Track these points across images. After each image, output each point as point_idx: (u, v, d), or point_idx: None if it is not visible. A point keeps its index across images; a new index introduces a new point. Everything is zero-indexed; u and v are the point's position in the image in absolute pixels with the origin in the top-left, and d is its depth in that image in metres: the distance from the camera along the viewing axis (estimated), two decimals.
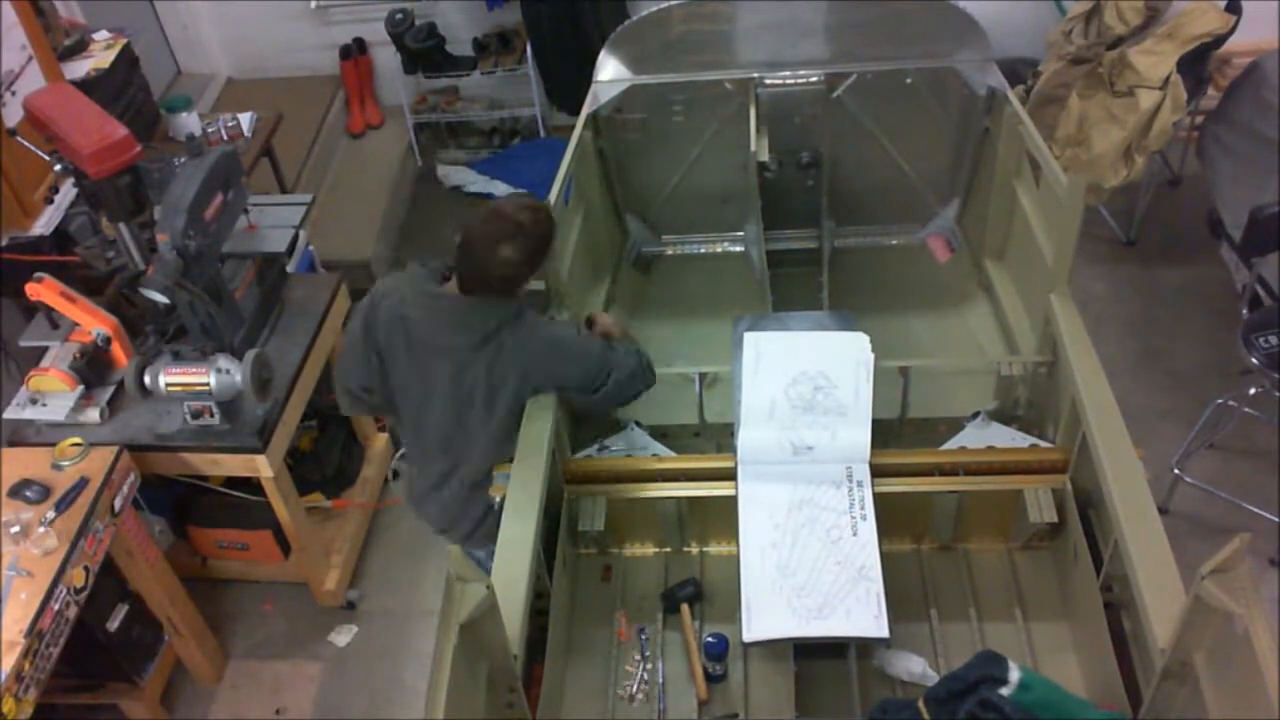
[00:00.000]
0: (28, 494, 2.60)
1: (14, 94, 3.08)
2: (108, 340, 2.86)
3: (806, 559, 2.17)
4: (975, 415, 2.56)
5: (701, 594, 2.34)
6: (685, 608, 2.30)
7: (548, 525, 2.24)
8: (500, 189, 4.88)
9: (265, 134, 4.07)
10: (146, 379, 2.68)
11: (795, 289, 3.09)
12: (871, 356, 2.38)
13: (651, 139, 3.28)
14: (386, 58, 4.99)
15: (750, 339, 2.45)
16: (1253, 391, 3.15)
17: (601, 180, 3.28)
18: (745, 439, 2.34)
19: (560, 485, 2.39)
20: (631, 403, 2.49)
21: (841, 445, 2.32)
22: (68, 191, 3.17)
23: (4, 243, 3.13)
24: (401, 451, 3.15)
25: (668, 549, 2.48)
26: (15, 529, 2.52)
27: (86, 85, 3.48)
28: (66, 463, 2.69)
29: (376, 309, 2.40)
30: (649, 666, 2.23)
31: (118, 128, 2.72)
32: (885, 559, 2.17)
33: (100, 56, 3.71)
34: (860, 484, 2.28)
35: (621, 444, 2.55)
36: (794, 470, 2.31)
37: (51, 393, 2.88)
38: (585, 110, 3.08)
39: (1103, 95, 3.87)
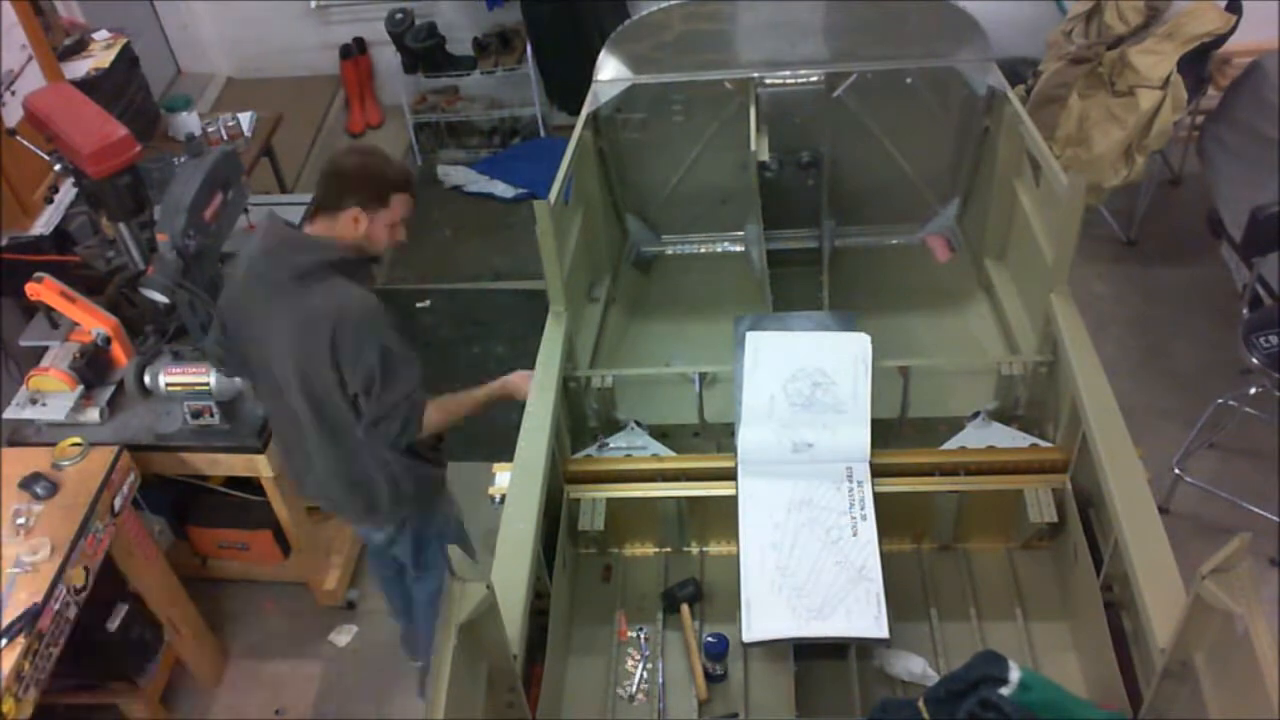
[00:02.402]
0: (37, 489, 2.61)
1: (14, 94, 3.08)
2: (108, 340, 2.86)
3: (806, 559, 2.17)
4: (975, 415, 2.56)
5: (701, 594, 2.34)
6: (685, 608, 2.30)
7: (548, 525, 2.24)
8: (500, 189, 4.88)
9: (265, 134, 4.07)
10: (146, 379, 2.68)
11: (795, 289, 3.09)
12: (870, 355, 2.38)
13: (651, 139, 3.27)
14: (386, 57, 5.00)
15: (750, 338, 2.45)
16: (1253, 391, 3.15)
17: (601, 180, 3.27)
18: (745, 437, 2.34)
19: (560, 485, 2.38)
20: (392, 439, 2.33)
21: (841, 443, 2.32)
22: (68, 191, 3.18)
23: (4, 242, 3.13)
24: None
25: (668, 549, 2.48)
26: (21, 521, 2.53)
27: (86, 85, 3.49)
28: (66, 462, 2.69)
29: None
30: (649, 666, 2.23)
31: (117, 127, 2.72)
32: (885, 559, 2.16)
33: (100, 56, 3.72)
34: (860, 484, 2.28)
35: (621, 444, 2.55)
36: (794, 469, 2.31)
37: (51, 392, 2.89)
38: (585, 110, 3.07)
39: (1103, 95, 3.87)
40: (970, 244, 3.33)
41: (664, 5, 3.12)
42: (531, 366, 2.50)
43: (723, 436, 2.59)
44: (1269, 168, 3.38)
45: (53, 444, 2.74)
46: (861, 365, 2.37)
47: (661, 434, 2.61)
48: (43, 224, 3.20)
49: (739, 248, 3.47)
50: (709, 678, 2.19)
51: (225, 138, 3.94)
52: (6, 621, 2.35)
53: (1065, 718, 1.80)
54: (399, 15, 4.67)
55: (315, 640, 3.27)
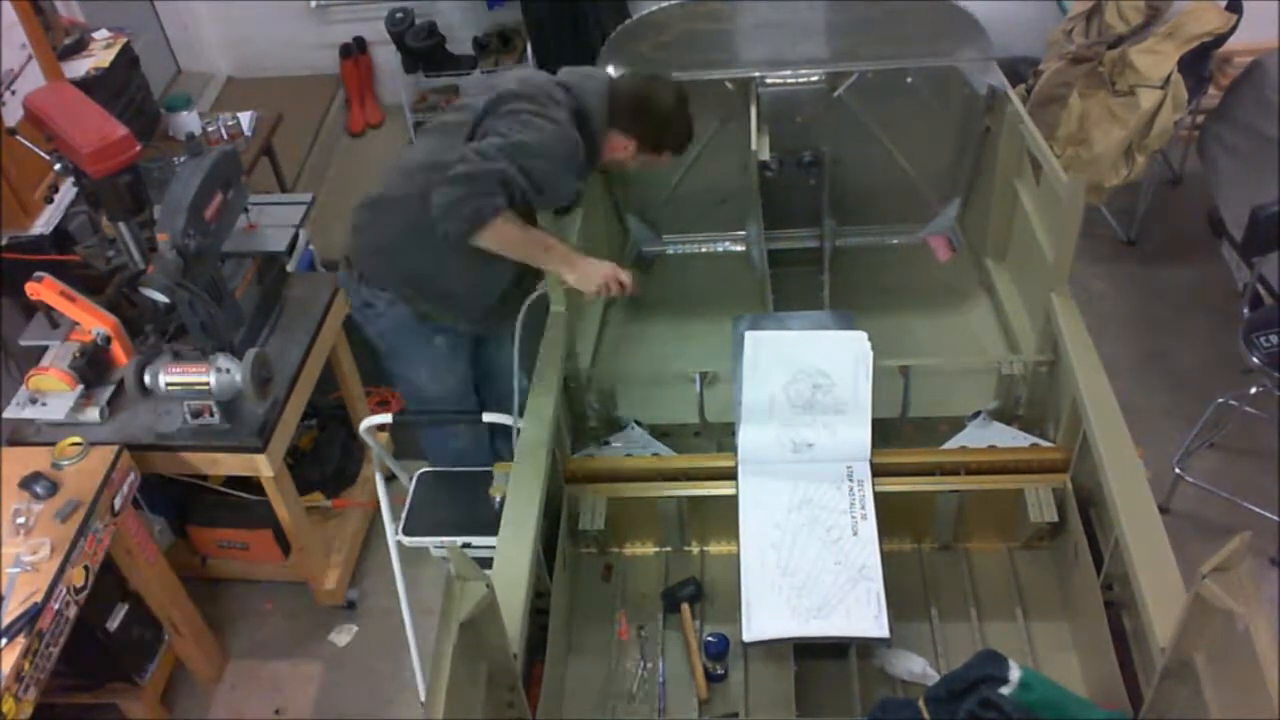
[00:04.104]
0: (37, 489, 2.60)
1: (14, 93, 3.08)
2: (108, 339, 2.86)
3: (807, 559, 2.18)
4: (976, 415, 2.56)
5: (702, 593, 2.34)
6: (686, 607, 2.30)
7: (548, 524, 2.24)
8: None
9: (265, 133, 4.07)
10: (146, 378, 2.67)
11: (796, 289, 3.09)
12: (870, 354, 2.38)
13: None
14: (387, 57, 4.99)
15: (750, 338, 2.45)
16: (1254, 391, 3.14)
17: (601, 180, 3.28)
18: (745, 437, 2.34)
19: (560, 484, 2.39)
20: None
21: (841, 443, 2.32)
22: (68, 191, 3.17)
23: (4, 242, 3.13)
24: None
25: (668, 548, 2.48)
26: (21, 520, 2.53)
27: (86, 84, 3.48)
28: (66, 462, 2.69)
29: None
30: (649, 666, 2.23)
31: (117, 127, 2.71)
32: (885, 559, 2.17)
33: (100, 56, 3.71)
34: (860, 483, 2.28)
35: (621, 443, 2.55)
36: (794, 469, 2.31)
37: (51, 392, 2.88)
38: None
39: (1104, 94, 3.87)
40: (971, 244, 3.33)
41: (664, 5, 3.12)
42: (532, 366, 2.50)
43: (723, 436, 2.59)
44: (1269, 167, 3.38)
45: (53, 443, 2.73)
46: (862, 366, 2.37)
47: (661, 434, 2.61)
48: (43, 224, 3.19)
49: (739, 248, 3.47)
50: (709, 677, 2.19)
51: (225, 137, 3.93)
52: (6, 621, 2.35)
53: (1065, 717, 1.80)
54: (399, 15, 4.67)
55: (315, 640, 3.27)
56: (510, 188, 2.28)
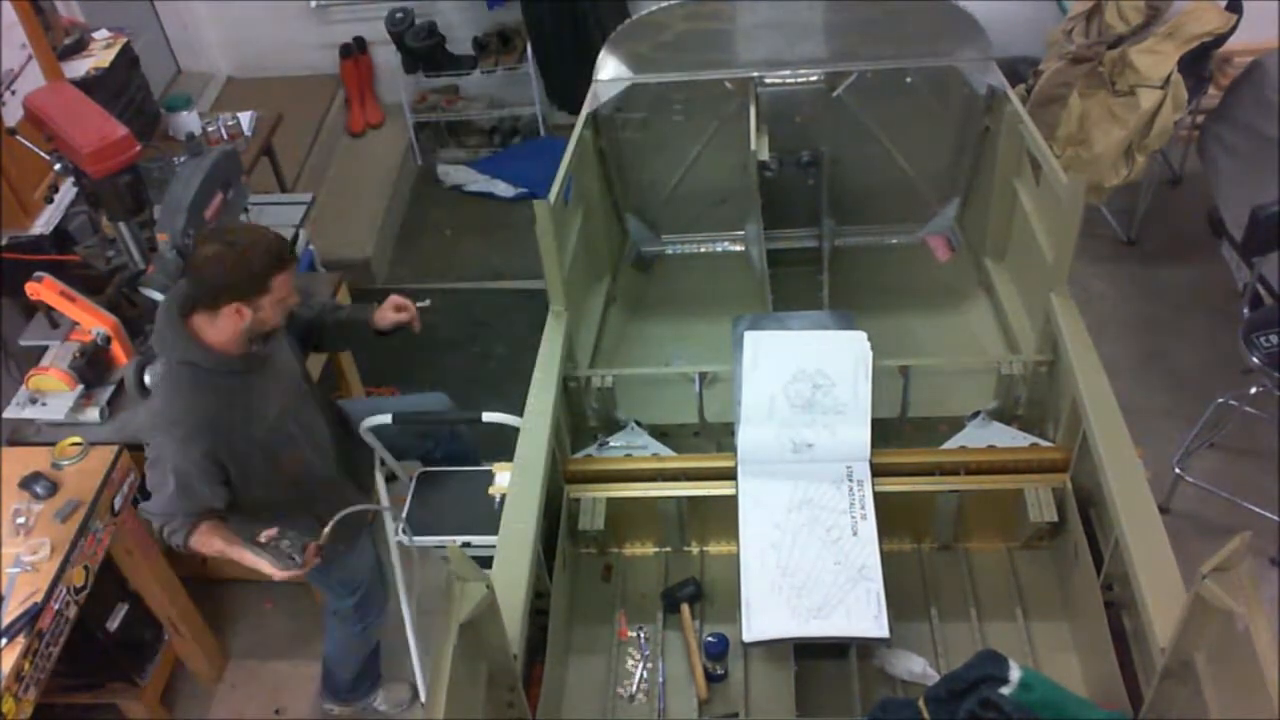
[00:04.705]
0: (36, 489, 2.60)
1: (14, 93, 3.08)
2: (107, 339, 2.86)
3: (807, 559, 2.17)
4: (975, 414, 2.56)
5: (702, 594, 2.34)
6: (685, 608, 2.30)
7: (548, 525, 2.24)
8: (500, 188, 4.88)
9: (265, 133, 4.07)
10: (146, 378, 2.67)
11: (795, 288, 3.09)
12: (870, 354, 2.38)
13: (651, 138, 3.27)
14: (387, 57, 4.99)
15: (750, 338, 2.45)
16: (1253, 391, 3.14)
17: (601, 180, 3.27)
18: (745, 437, 2.34)
19: (560, 484, 2.38)
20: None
21: (841, 443, 2.32)
22: (67, 191, 3.17)
23: (4, 242, 3.13)
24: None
25: (668, 549, 2.47)
26: (21, 520, 2.53)
27: (86, 84, 3.48)
28: (66, 462, 2.69)
29: None
30: (649, 666, 2.23)
31: (117, 127, 2.72)
32: (885, 559, 2.16)
33: (100, 56, 3.71)
34: (860, 483, 2.28)
35: (621, 444, 2.55)
36: (794, 469, 2.31)
37: (51, 392, 2.88)
38: (585, 109, 3.07)
39: (1104, 94, 3.87)
40: (970, 244, 3.33)
41: (664, 5, 3.12)
42: (531, 366, 2.50)
43: (723, 436, 2.59)
44: (1269, 167, 3.38)
45: (53, 443, 2.74)
46: (862, 366, 2.37)
47: (661, 434, 2.61)
48: (43, 224, 3.19)
49: (739, 247, 3.47)
50: (709, 677, 2.19)
51: (225, 137, 3.93)
52: (6, 621, 2.35)
53: (1065, 717, 1.80)
54: (399, 14, 4.67)
55: (315, 640, 3.26)
56: (192, 495, 2.26)
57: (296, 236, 3.18)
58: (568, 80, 4.67)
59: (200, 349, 2.25)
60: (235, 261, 2.18)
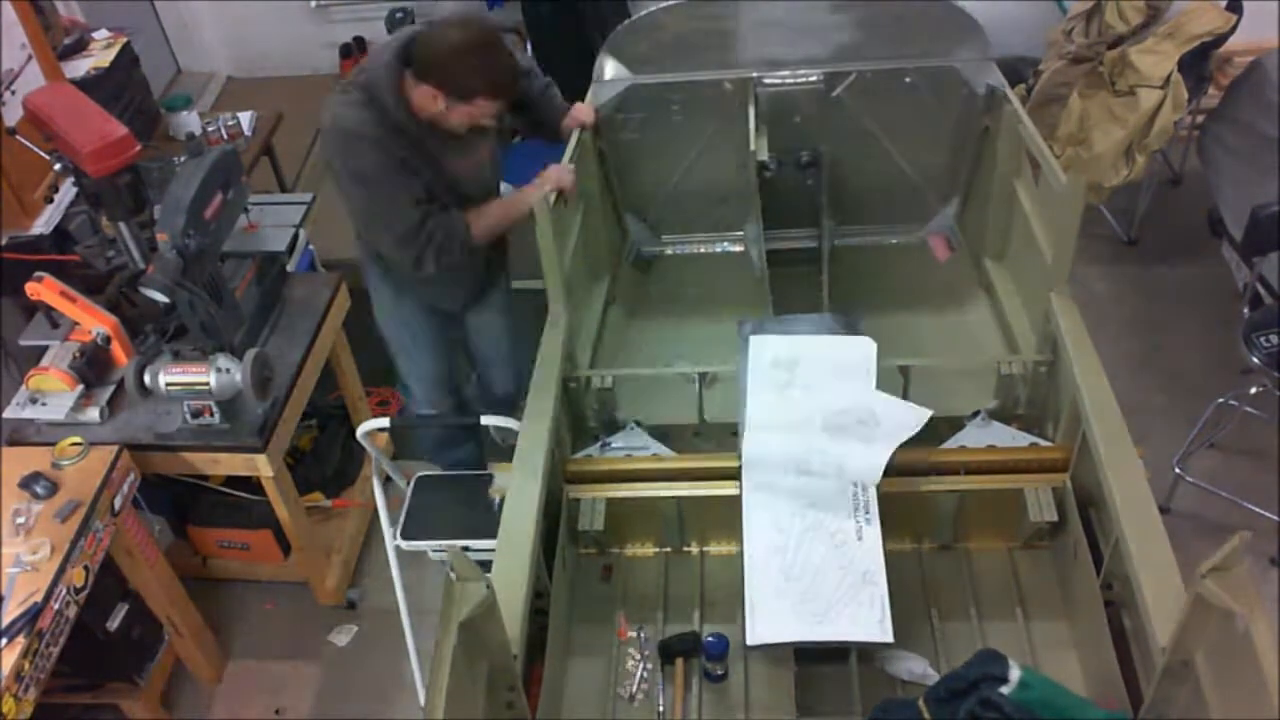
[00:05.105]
0: (36, 489, 2.60)
1: (14, 93, 3.08)
2: (108, 339, 2.86)
3: (811, 564, 2.17)
4: (975, 414, 2.56)
5: (701, 648, 2.22)
6: (680, 663, 2.22)
7: (548, 525, 2.24)
8: (501, 188, 4.87)
9: (265, 133, 4.06)
10: (146, 378, 2.67)
11: (795, 288, 3.09)
12: (875, 359, 2.38)
13: (651, 139, 3.27)
14: None
15: (754, 342, 2.45)
16: (1254, 391, 3.15)
17: (601, 180, 3.28)
18: (750, 442, 2.33)
19: (560, 485, 2.38)
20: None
21: (852, 462, 2.27)
22: (67, 191, 3.17)
23: (4, 242, 3.13)
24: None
25: (668, 549, 2.47)
26: (21, 520, 2.53)
27: (86, 84, 3.48)
28: (66, 462, 2.69)
29: None
30: (649, 666, 2.23)
31: (117, 127, 2.71)
32: (886, 559, 2.16)
33: (100, 55, 3.71)
34: (865, 488, 2.27)
35: (621, 444, 2.55)
36: (799, 474, 2.30)
37: (51, 392, 2.88)
38: None
39: (1104, 94, 3.87)
40: (970, 244, 3.33)
41: (664, 5, 3.12)
42: (531, 367, 2.50)
43: (723, 436, 2.59)
44: (1269, 167, 3.38)
45: (53, 443, 2.73)
46: (866, 371, 2.36)
47: (661, 434, 2.61)
48: (43, 224, 3.19)
49: (739, 248, 3.47)
50: (710, 678, 2.19)
51: (225, 137, 3.93)
52: (6, 621, 2.35)
53: (1066, 717, 1.80)
54: (399, 15, 4.67)
55: (315, 640, 3.27)
56: (424, 221, 2.50)
57: (296, 236, 3.18)
58: (567, 81, 4.66)
59: (398, 98, 2.43)
60: (460, 59, 2.35)
